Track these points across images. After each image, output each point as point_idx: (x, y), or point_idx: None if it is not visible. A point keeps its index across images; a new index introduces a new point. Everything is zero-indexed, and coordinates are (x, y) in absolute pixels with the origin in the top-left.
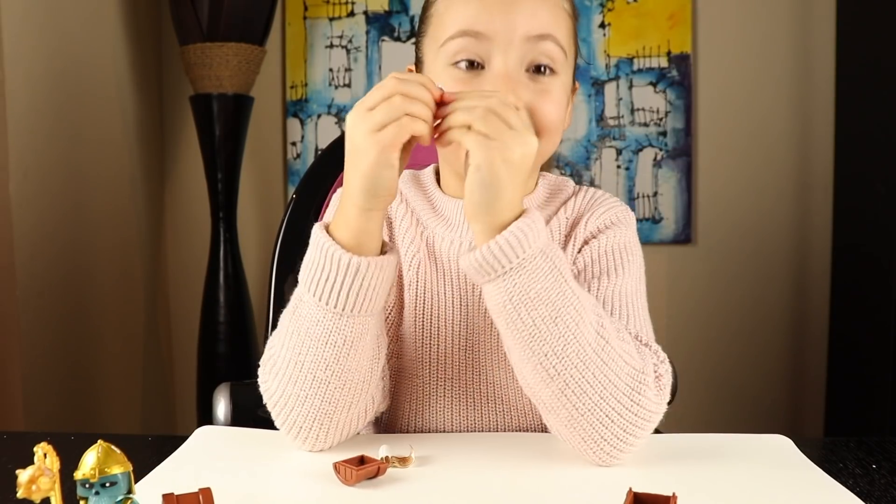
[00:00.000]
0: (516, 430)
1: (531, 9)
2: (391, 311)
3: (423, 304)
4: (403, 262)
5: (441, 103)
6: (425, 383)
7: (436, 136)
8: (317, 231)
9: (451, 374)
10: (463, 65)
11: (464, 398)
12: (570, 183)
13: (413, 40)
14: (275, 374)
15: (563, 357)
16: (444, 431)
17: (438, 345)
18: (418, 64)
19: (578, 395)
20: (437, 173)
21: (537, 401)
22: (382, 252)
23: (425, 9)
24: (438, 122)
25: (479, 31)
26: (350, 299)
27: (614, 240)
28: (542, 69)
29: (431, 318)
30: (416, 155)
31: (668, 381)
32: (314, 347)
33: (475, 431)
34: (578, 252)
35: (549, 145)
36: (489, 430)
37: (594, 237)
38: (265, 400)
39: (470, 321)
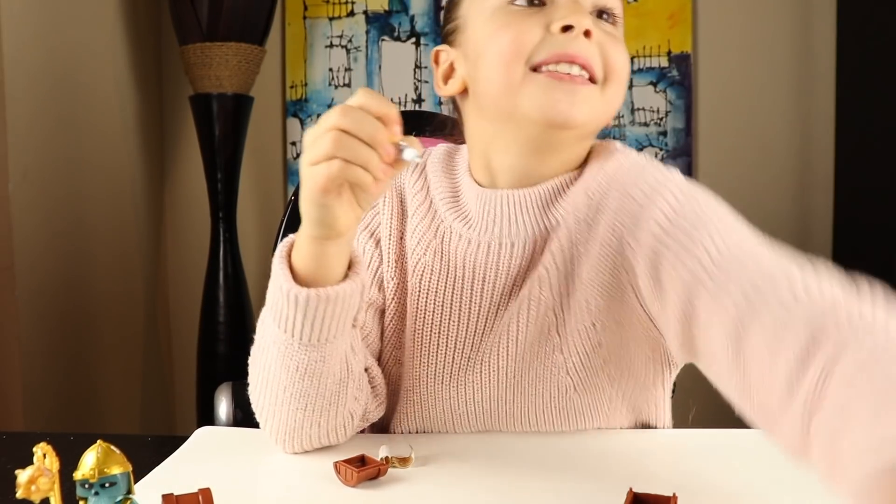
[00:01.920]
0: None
1: None
2: (392, 317)
3: (426, 316)
4: (409, 266)
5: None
6: (423, 399)
7: None
8: (278, 250)
9: (450, 392)
10: (522, 1)
11: (465, 416)
12: (616, 143)
13: (413, 41)
14: (252, 383)
15: None
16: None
17: (438, 363)
18: (451, 37)
19: None
20: None
21: None
22: (347, 276)
23: None
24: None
25: None
26: (297, 329)
27: (660, 220)
28: (605, 16)
29: (433, 334)
30: None
31: None
32: (273, 367)
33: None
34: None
35: (619, 96)
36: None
37: (655, 238)
38: (251, 402)
39: (476, 337)
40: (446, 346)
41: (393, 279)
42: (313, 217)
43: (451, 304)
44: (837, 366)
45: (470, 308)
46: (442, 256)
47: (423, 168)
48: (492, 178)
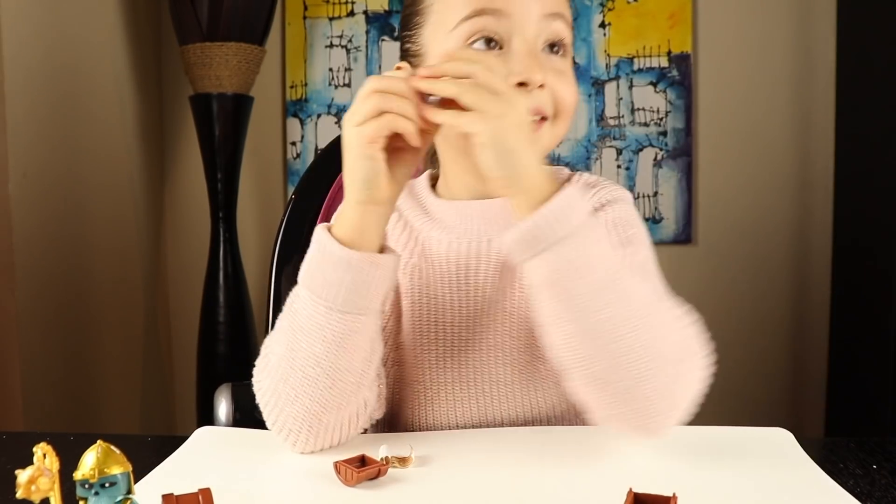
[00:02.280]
0: (523, 425)
1: None
2: (388, 319)
3: (421, 308)
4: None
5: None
6: (427, 388)
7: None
8: (318, 228)
9: (454, 375)
10: (480, 44)
11: (467, 398)
12: (565, 170)
13: None
14: (268, 372)
15: (620, 321)
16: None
17: (439, 348)
18: (412, 59)
19: (638, 361)
20: (433, 179)
21: (588, 377)
22: (381, 252)
23: (416, 2)
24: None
25: (498, 8)
26: (341, 294)
27: (614, 214)
28: (555, 48)
29: (430, 322)
30: None
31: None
32: (306, 342)
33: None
34: None
35: (564, 128)
36: (495, 428)
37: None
38: (257, 399)
39: (471, 320)
40: (444, 331)
41: None
42: (360, 176)
43: (443, 293)
44: None
45: (459, 294)
46: (427, 258)
47: None
48: (453, 193)
